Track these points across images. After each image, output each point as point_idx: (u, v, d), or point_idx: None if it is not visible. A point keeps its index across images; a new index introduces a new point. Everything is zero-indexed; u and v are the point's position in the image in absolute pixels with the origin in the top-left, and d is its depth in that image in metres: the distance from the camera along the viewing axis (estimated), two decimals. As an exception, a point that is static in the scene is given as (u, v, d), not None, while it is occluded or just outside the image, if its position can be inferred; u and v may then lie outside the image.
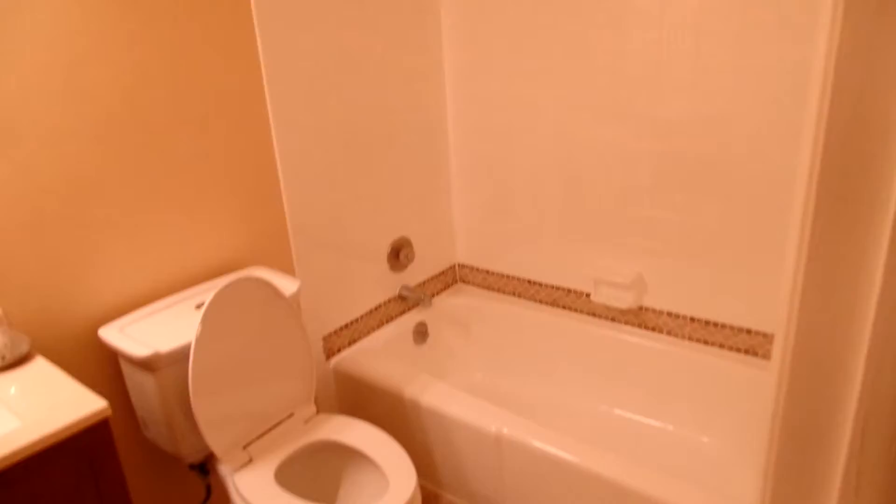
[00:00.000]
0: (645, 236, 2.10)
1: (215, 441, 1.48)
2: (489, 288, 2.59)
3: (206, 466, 1.60)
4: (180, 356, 1.42)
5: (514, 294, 2.52)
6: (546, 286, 2.41)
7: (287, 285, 1.69)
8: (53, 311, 1.43)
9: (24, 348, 1.26)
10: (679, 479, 1.48)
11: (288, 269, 1.96)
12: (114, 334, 1.46)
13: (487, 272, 2.57)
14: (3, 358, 1.23)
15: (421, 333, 2.42)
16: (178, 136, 1.60)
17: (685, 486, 1.46)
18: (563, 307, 2.38)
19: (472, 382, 2.51)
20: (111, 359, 1.54)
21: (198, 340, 1.41)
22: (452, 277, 2.65)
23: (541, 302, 2.45)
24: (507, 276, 2.51)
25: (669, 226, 2.03)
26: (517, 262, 2.47)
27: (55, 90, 1.36)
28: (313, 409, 1.69)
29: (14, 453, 0.98)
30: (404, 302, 2.42)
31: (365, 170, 2.14)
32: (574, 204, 2.22)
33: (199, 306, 1.56)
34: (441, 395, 1.90)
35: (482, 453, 1.80)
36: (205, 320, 1.42)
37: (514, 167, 2.34)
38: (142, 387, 1.46)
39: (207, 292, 1.63)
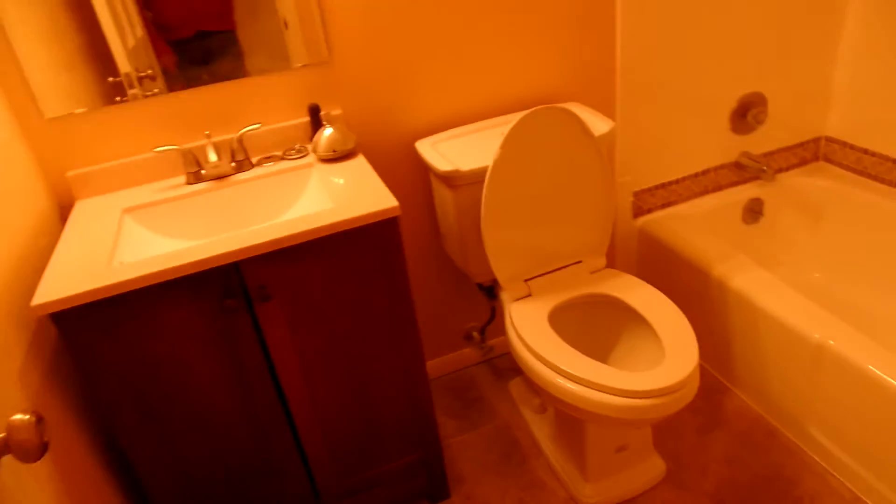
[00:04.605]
0: None
1: (499, 266, 1.50)
2: (862, 173, 2.02)
3: (493, 291, 1.67)
4: (480, 177, 1.43)
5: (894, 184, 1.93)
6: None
7: (599, 125, 1.55)
8: (380, 119, 1.56)
9: (350, 145, 1.40)
10: None
11: (607, 112, 1.79)
12: (426, 148, 1.53)
13: (864, 151, 1.99)
14: (335, 151, 1.39)
15: (753, 211, 2.06)
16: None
17: None
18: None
19: (805, 281, 2.08)
20: (423, 171, 1.65)
21: (495, 164, 1.39)
22: (813, 153, 2.14)
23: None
24: (894, 161, 1.91)
25: None
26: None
27: None
28: (603, 261, 1.59)
29: (326, 227, 1.12)
30: (741, 171, 2.05)
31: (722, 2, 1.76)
32: None
33: (506, 133, 1.54)
34: (758, 284, 1.61)
35: (794, 362, 1.50)
36: (505, 144, 1.38)
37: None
38: (443, 201, 1.54)
39: (518, 121, 1.59)
